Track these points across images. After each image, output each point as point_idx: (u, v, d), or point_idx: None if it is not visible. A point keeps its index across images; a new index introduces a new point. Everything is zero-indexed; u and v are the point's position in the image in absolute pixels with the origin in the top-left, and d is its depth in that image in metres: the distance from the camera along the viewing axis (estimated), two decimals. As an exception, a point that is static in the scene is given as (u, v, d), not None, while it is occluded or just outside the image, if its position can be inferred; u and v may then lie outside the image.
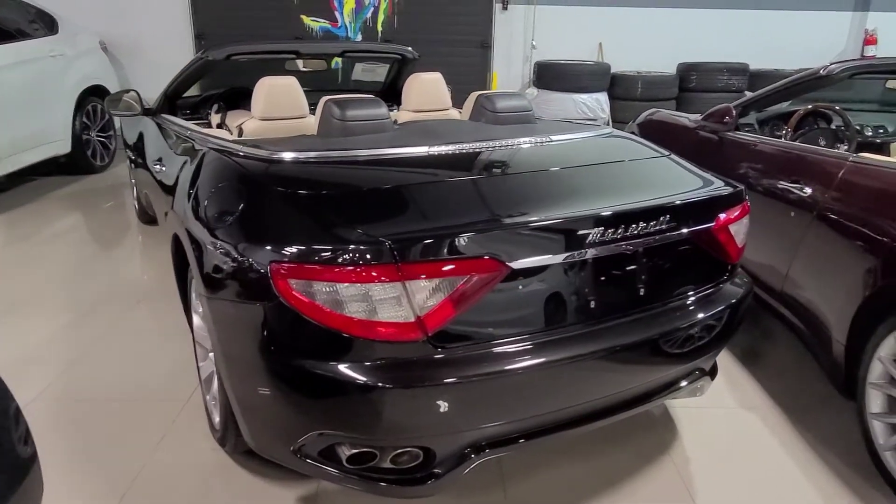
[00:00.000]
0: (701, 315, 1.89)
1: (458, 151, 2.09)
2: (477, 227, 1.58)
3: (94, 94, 6.12)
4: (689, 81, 7.21)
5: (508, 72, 7.57)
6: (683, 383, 2.02)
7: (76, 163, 5.97)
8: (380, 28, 7.35)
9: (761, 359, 2.91)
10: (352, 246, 1.50)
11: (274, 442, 1.81)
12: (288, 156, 1.99)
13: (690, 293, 1.94)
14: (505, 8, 7.33)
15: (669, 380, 1.98)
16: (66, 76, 5.74)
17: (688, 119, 3.97)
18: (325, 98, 2.38)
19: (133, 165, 4.22)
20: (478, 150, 2.13)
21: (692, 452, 2.27)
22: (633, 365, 1.81)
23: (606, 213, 1.68)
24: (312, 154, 1.99)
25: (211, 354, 2.10)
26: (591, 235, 1.64)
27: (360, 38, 7.34)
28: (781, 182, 2.74)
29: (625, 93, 7.14)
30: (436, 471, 1.66)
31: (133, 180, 4.57)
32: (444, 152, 2.08)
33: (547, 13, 7.38)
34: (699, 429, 2.39)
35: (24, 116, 5.20)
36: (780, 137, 3.34)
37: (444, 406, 1.56)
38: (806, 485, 2.11)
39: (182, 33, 7.23)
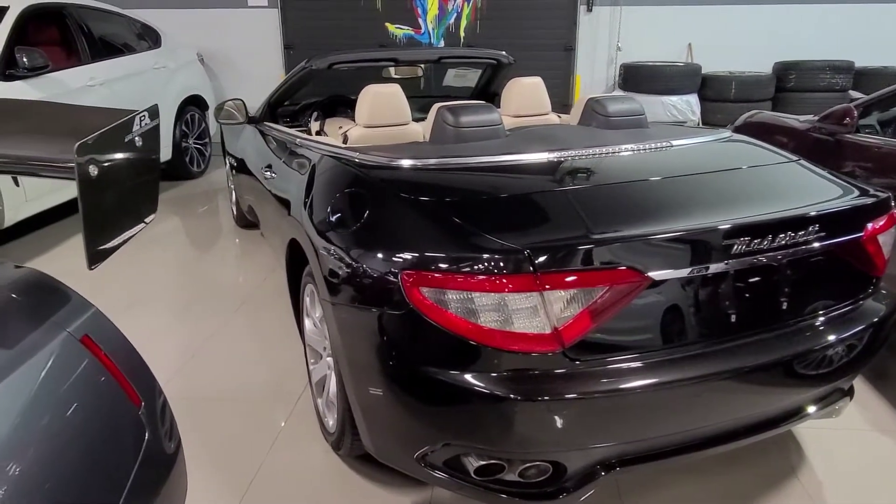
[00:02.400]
0: (846, 332, 1.77)
1: (577, 157, 2.04)
2: (614, 237, 1.53)
3: (191, 104, 6.42)
4: (787, 81, 6.86)
5: (593, 75, 7.43)
6: (822, 404, 1.89)
7: (175, 169, 6.28)
8: (462, 34, 7.37)
9: (893, 379, 2.70)
10: (487, 255, 1.48)
11: (396, 448, 1.82)
12: (407, 162, 2.00)
13: (834, 309, 1.81)
14: (590, 10, 7.21)
15: (807, 401, 1.86)
16: (168, 87, 6.04)
17: (797, 121, 3.75)
18: (437, 105, 2.38)
19: (234, 171, 4.37)
20: (597, 156, 2.07)
21: (823, 476, 2.12)
22: (772, 384, 1.71)
23: (750, 222, 1.59)
24: (431, 161, 1.99)
25: (329, 359, 2.13)
26: (734, 246, 1.56)
27: (442, 43, 7.38)
28: (917, 188, 2.54)
29: (717, 94, 6.86)
30: (566, 485, 1.61)
31: (232, 186, 4.74)
32: (563, 158, 2.04)
33: (633, 14, 7.19)
34: (829, 451, 2.24)
35: (133, 126, 5.50)
36: (905, 139, 3.11)
37: (577, 420, 1.52)
38: (959, 518, 1.93)
39: (272, 44, 7.48)
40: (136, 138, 1.17)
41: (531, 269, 1.45)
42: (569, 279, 1.46)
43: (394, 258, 1.62)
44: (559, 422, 1.50)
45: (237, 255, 4.41)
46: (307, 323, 2.37)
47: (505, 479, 1.64)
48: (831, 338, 1.75)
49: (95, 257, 1.06)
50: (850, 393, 2.01)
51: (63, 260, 4.28)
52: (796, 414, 1.85)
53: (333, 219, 1.95)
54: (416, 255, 1.57)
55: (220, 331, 3.21)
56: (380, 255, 1.66)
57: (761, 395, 1.73)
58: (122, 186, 1.14)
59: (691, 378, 1.57)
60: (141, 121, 1.18)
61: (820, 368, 1.77)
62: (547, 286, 1.45)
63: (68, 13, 5.07)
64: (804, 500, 2.01)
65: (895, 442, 2.29)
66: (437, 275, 1.51)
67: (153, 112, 1.23)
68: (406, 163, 2.00)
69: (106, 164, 1.07)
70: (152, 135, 1.23)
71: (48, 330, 1.11)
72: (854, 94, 6.69)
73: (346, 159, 2.18)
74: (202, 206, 5.62)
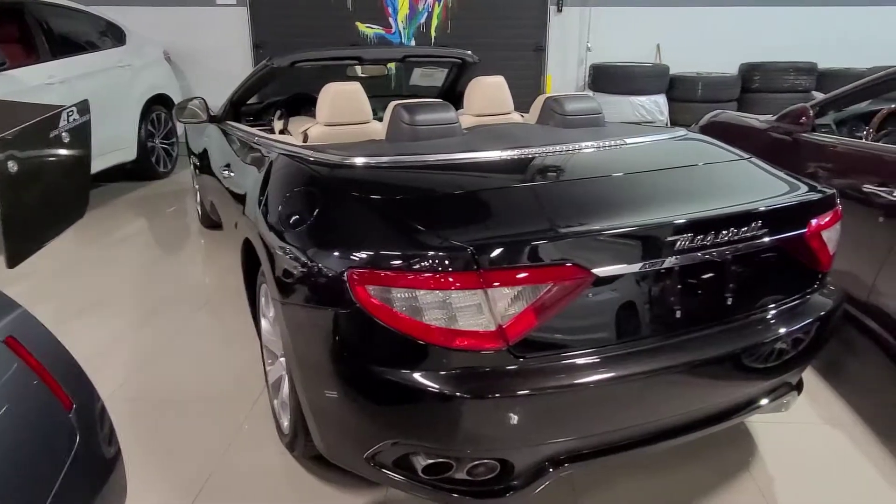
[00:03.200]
0: (793, 326, 1.79)
1: (531, 156, 2.05)
2: (560, 234, 1.53)
3: (158, 103, 6.32)
4: (753, 82, 6.96)
5: (563, 75, 7.46)
6: (770, 398, 1.92)
7: (141, 169, 6.17)
8: (433, 33, 7.36)
9: (843, 372, 2.76)
10: (432, 252, 1.47)
11: (346, 448, 1.80)
12: (360, 161, 1.98)
13: (780, 303, 1.84)
14: (560, 10, 7.25)
15: (756, 394, 1.89)
16: (133, 86, 5.94)
17: (757, 120, 3.81)
18: (393, 103, 2.37)
19: (197, 171, 4.32)
20: (551, 154, 2.08)
21: (774, 470, 2.15)
22: (720, 378, 1.73)
23: (696, 218, 1.61)
24: (385, 159, 1.98)
25: (282, 359, 2.11)
26: (679, 242, 1.57)
27: (413, 43, 7.36)
28: (867, 186, 2.59)
29: (684, 94, 6.94)
30: (514, 483, 1.61)
31: (197, 186, 4.68)
32: (517, 157, 2.04)
33: (603, 15, 7.25)
34: (781, 444, 2.27)
35: (96, 125, 5.37)
36: (859, 139, 3.17)
37: (524, 418, 1.52)
38: (903, 509, 1.97)
39: (241, 43, 7.39)
40: (63, 134, 1.14)
41: (475, 266, 1.44)
42: (513, 276, 1.46)
43: (341, 257, 1.60)
44: (505, 419, 1.50)
45: (203, 256, 4.35)
46: (263, 323, 2.35)
47: (454, 478, 1.64)
48: (778, 332, 1.78)
49: (15, 257, 1.04)
50: (798, 387, 2.04)
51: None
52: (744, 408, 1.87)
53: (284, 217, 1.93)
54: (363, 253, 1.56)
55: (181, 331, 3.16)
56: (327, 254, 1.65)
57: (709, 390, 1.75)
58: (46, 185, 1.11)
59: (639, 373, 1.58)
60: (69, 116, 1.15)
61: (767, 362, 1.79)
62: (491, 283, 1.45)
63: (27, 9, 4.95)
64: (755, 494, 2.04)
65: (845, 435, 2.33)
66: (382, 273, 1.50)
67: (82, 108, 1.20)
68: (359, 161, 1.98)
69: (27, 161, 1.04)
70: (81, 131, 1.20)
71: (-32, 331, 1.08)
72: (817, 94, 6.81)
73: (301, 158, 2.15)
74: (169, 206, 5.54)
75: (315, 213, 1.79)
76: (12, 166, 0.99)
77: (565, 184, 1.86)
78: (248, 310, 2.62)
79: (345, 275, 1.55)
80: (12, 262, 1.02)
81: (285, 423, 2.17)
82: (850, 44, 7.26)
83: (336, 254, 1.62)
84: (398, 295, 1.49)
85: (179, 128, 6.67)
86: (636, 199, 1.76)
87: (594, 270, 1.51)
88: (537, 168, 1.99)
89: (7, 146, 0.98)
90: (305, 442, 1.98)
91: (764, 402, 1.92)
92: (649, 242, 1.58)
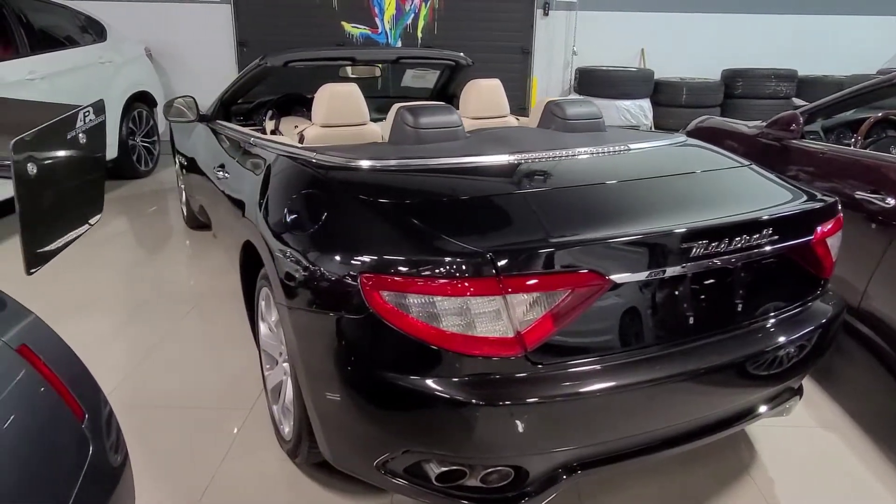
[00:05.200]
0: (797, 332, 1.81)
1: (538, 160, 2.04)
2: (577, 240, 1.53)
3: (139, 101, 6.20)
4: (735, 88, 7.08)
5: (549, 78, 7.50)
6: (774, 403, 1.94)
7: (122, 168, 6.05)
8: (420, 34, 7.34)
9: (837, 377, 2.80)
10: (449, 258, 1.46)
11: (354, 456, 1.77)
12: (366, 163, 1.96)
13: (786, 309, 1.86)
14: (546, 14, 7.28)
15: (761, 399, 1.90)
16: (114, 83, 5.82)
17: (746, 126, 3.86)
18: (397, 105, 2.35)
19: (184, 171, 4.24)
20: (558, 158, 2.08)
21: (774, 473, 2.18)
22: (731, 384, 1.74)
23: (709, 225, 1.61)
24: (393, 162, 1.96)
25: (285, 364, 2.07)
26: (695, 249, 1.58)
27: (399, 44, 7.34)
28: (859, 192, 2.64)
29: (668, 99, 7.03)
30: (527, 490, 1.60)
31: (182, 186, 4.59)
32: (526, 161, 2.03)
33: (588, 19, 7.30)
34: (779, 448, 2.30)
35: (75, 122, 5.27)
36: (847, 146, 3.23)
37: (543, 424, 1.51)
38: (901, 511, 2.01)
39: (224, 41, 7.29)
40: (80, 135, 1.10)
41: (494, 272, 1.43)
42: (531, 282, 1.45)
43: (353, 261, 1.57)
44: (521, 426, 1.49)
45: (188, 257, 4.27)
46: (262, 327, 2.31)
47: (466, 485, 1.62)
48: (783, 338, 1.80)
49: (34, 261, 1.00)
50: (799, 392, 2.07)
51: (1, 262, 4.06)
52: (750, 413, 1.89)
53: (290, 220, 1.89)
54: (377, 258, 1.54)
55: (169, 336, 3.10)
56: (339, 258, 1.62)
57: (718, 396, 1.76)
58: (64, 186, 1.07)
59: (652, 380, 1.58)
60: (85, 116, 1.11)
61: (773, 368, 1.81)
62: (510, 289, 1.44)
63: (5, 2, 4.82)
64: (756, 496, 2.06)
65: (840, 438, 2.37)
66: (397, 278, 1.48)
67: (98, 108, 1.16)
68: (365, 163, 1.96)
69: (46, 163, 1.00)
70: (97, 132, 1.16)
71: (-19, 340, 1.03)
72: (797, 101, 6.95)
73: (303, 159, 2.12)
74: (150, 206, 5.44)
75: (325, 217, 1.76)
76: (32, 168, 0.95)
77: (574, 189, 1.86)
78: (242, 314, 2.58)
79: (358, 279, 1.53)
80: (31, 267, 0.98)
81: (286, 429, 2.14)
82: (829, 52, 7.42)
83: (348, 258, 1.59)
84: (414, 300, 1.47)
85: (162, 126, 6.55)
86: (645, 206, 1.76)
87: (611, 277, 1.51)
88: (545, 173, 1.98)
89: (26, 147, 0.94)
90: (309, 449, 1.95)
91: (767, 408, 1.94)
92: (663, 249, 1.58)
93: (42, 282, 3.69)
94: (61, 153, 1.06)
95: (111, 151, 5.80)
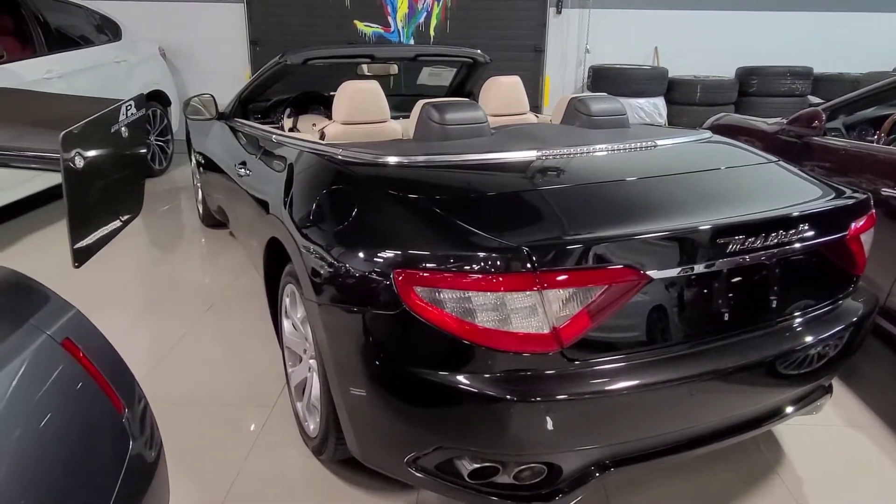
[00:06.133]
0: (830, 330, 1.79)
1: (565, 156, 2.03)
2: (612, 236, 1.51)
3: (153, 100, 6.22)
4: (750, 86, 7.03)
5: (562, 76, 7.48)
6: (806, 401, 1.92)
7: (136, 167, 6.06)
8: (432, 33, 7.34)
9: (862, 376, 2.77)
10: (484, 253, 1.45)
11: (384, 452, 1.77)
12: (393, 160, 1.95)
13: (818, 306, 1.84)
14: (559, 12, 7.26)
15: (794, 397, 1.88)
16: (128, 82, 5.84)
17: (765, 123, 3.83)
18: (422, 101, 2.34)
19: (201, 169, 4.24)
20: (585, 154, 2.06)
21: (802, 472, 2.16)
22: (762, 381, 1.72)
23: (747, 221, 1.60)
24: (421, 158, 1.95)
25: (311, 361, 2.07)
26: (731, 245, 1.56)
27: (412, 42, 7.33)
28: (885, 189, 2.61)
29: (683, 97, 6.99)
30: (561, 487, 1.59)
31: (198, 184, 4.60)
32: (551, 157, 2.02)
33: (601, 17, 7.27)
34: (806, 447, 2.28)
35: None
36: (870, 142, 3.20)
37: (574, 421, 1.50)
38: (934, 511, 1.98)
39: (238, 40, 7.31)
40: (123, 129, 1.10)
41: (530, 267, 1.42)
42: (568, 278, 1.44)
43: (386, 257, 1.57)
44: (556, 423, 1.48)
45: (203, 256, 4.28)
46: (286, 324, 2.30)
47: (499, 482, 1.61)
48: (815, 337, 1.77)
49: (80, 255, 0.99)
50: (829, 390, 2.05)
51: (23, 258, 4.08)
52: (781, 411, 1.87)
53: (318, 217, 1.89)
54: (410, 253, 1.53)
55: (188, 334, 3.10)
56: (371, 254, 1.61)
57: (751, 394, 1.74)
58: (108, 180, 1.07)
59: (686, 377, 1.56)
60: (127, 110, 1.11)
61: (806, 366, 1.79)
62: (546, 285, 1.43)
63: (23, 2, 4.84)
64: (785, 495, 2.04)
65: (868, 437, 2.34)
66: (432, 274, 1.47)
67: (139, 102, 1.16)
68: (392, 160, 1.95)
69: (92, 156, 1.00)
70: (138, 126, 1.16)
71: (27, 333, 1.03)
72: (813, 98, 6.89)
73: (329, 156, 2.12)
74: (165, 204, 5.45)
75: (355, 213, 1.75)
76: (79, 161, 0.95)
77: (604, 185, 1.85)
78: (261, 311, 2.57)
79: (391, 275, 1.52)
80: (79, 260, 0.98)
81: (311, 426, 2.13)
82: (845, 49, 7.36)
83: (381, 254, 1.59)
84: (449, 296, 1.46)
85: (176, 125, 6.57)
86: (681, 202, 1.74)
87: (648, 272, 1.49)
88: (573, 169, 1.97)
89: (74, 141, 0.94)
90: (336, 445, 1.95)
91: (799, 405, 1.92)
92: (699, 245, 1.56)
93: (58, 279, 3.71)
94: (106, 147, 1.06)
95: (126, 150, 5.81)
